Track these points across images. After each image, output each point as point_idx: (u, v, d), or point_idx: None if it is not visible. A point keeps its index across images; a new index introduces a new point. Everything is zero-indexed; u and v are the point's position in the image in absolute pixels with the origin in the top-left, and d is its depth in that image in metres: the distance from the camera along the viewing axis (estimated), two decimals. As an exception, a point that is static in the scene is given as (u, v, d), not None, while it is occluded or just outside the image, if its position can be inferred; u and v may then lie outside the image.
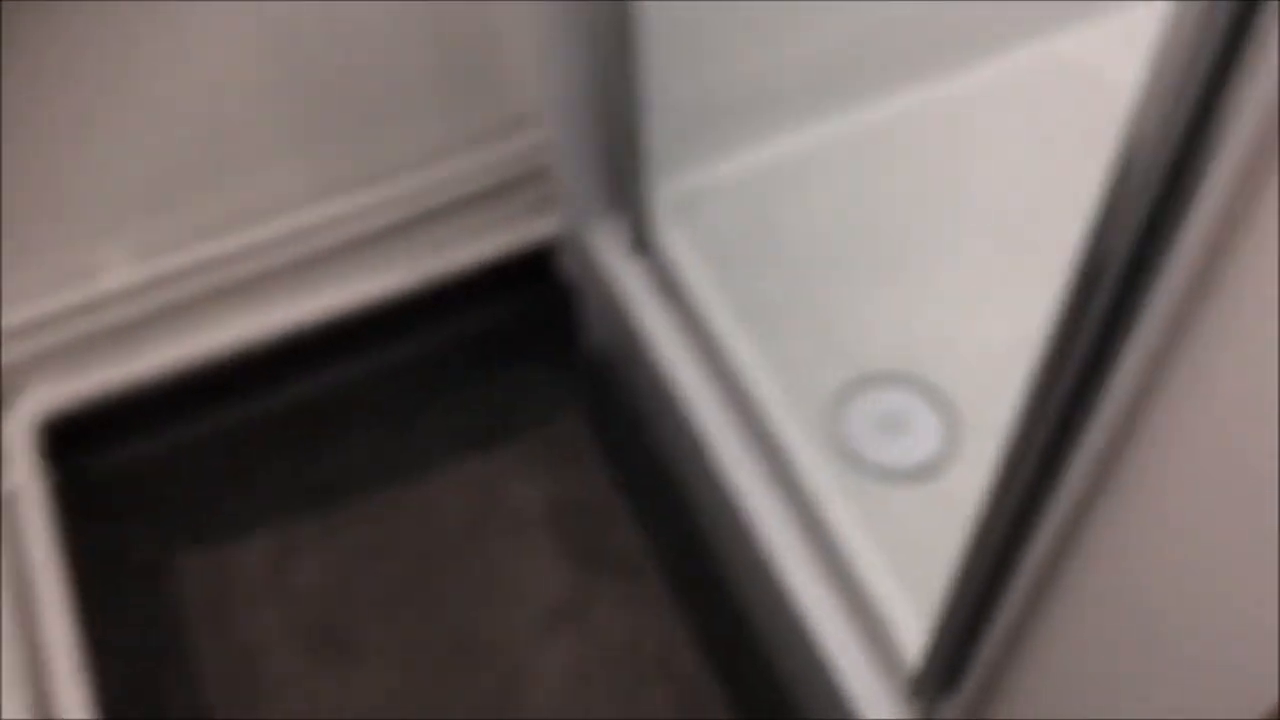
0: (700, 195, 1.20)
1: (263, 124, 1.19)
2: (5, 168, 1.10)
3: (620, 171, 1.13)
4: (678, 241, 1.13)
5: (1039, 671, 0.74)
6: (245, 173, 1.22)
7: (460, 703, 1.21)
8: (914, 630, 0.92)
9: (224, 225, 1.25)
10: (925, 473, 1.08)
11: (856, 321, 1.17)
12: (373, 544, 1.29)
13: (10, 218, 1.14)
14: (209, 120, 1.16)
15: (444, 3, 1.17)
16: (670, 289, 1.13)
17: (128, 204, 1.20)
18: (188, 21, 1.08)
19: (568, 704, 1.21)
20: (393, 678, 1.23)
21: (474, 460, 1.34)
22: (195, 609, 1.27)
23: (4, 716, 1.05)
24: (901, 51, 1.23)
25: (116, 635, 1.24)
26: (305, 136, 1.22)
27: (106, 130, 1.13)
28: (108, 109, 1.11)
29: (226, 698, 1.22)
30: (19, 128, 1.08)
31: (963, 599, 0.75)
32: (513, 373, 1.40)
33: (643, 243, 1.15)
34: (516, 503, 1.31)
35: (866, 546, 0.98)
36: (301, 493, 1.33)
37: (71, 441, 1.33)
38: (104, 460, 1.37)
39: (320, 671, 1.23)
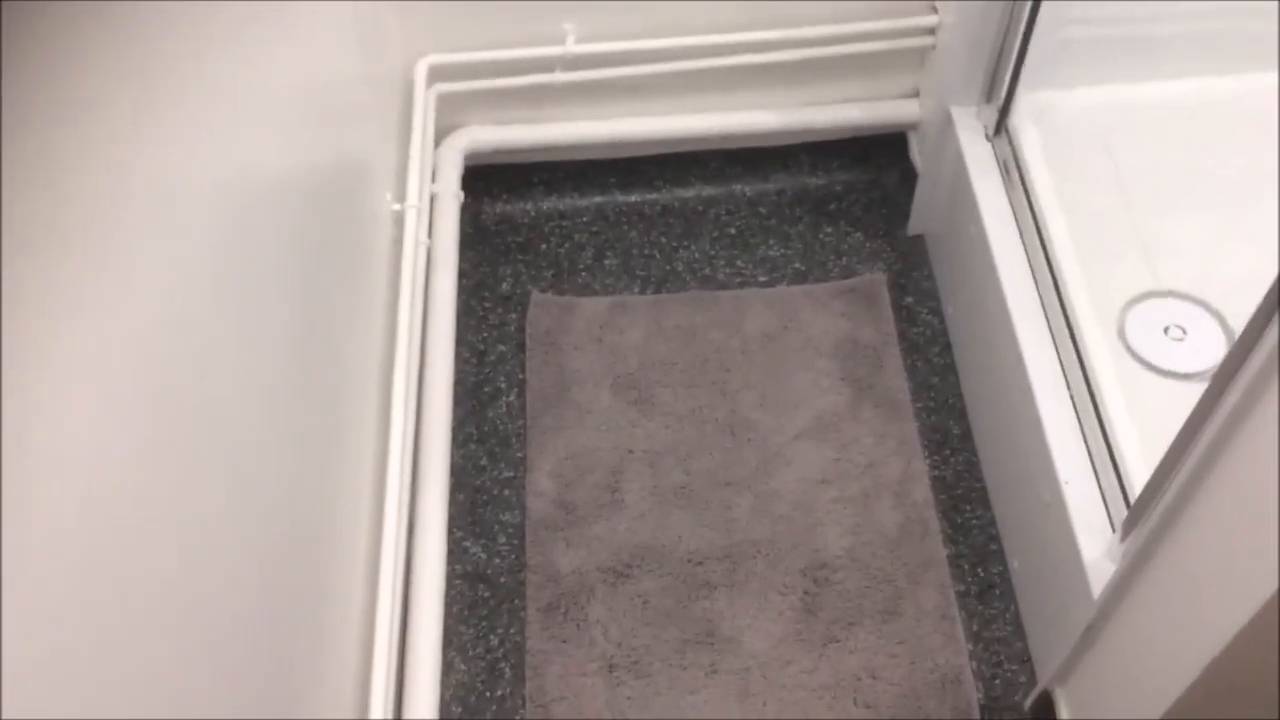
0: (1057, 108, 1.39)
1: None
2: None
3: (998, 68, 1.34)
4: (1030, 139, 1.33)
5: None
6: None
7: (722, 465, 1.46)
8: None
9: (653, 30, 1.52)
10: (1189, 378, 1.25)
11: (1165, 243, 1.34)
12: (688, 327, 1.56)
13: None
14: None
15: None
16: (1013, 174, 1.33)
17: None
18: None
19: (807, 491, 1.44)
20: (673, 431, 1.49)
21: (786, 288, 1.59)
22: (536, 337, 1.57)
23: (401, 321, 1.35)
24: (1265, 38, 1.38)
25: (475, 337, 1.56)
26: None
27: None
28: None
29: (541, 408, 1.51)
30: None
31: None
32: (839, 229, 1.64)
33: (1000, 131, 1.35)
34: (813, 330, 1.55)
35: (1122, 416, 1.16)
36: (644, 273, 1.61)
37: (475, 184, 1.65)
38: (495, 209, 1.69)
39: (619, 409, 1.50)
